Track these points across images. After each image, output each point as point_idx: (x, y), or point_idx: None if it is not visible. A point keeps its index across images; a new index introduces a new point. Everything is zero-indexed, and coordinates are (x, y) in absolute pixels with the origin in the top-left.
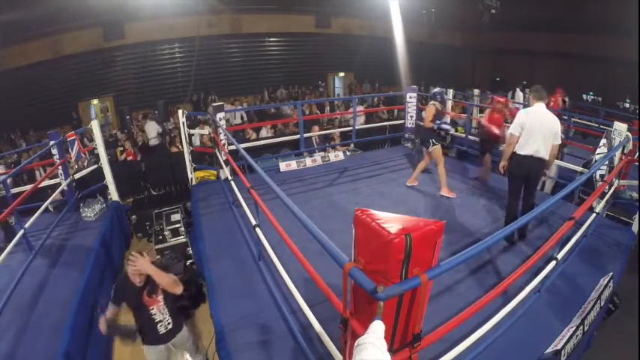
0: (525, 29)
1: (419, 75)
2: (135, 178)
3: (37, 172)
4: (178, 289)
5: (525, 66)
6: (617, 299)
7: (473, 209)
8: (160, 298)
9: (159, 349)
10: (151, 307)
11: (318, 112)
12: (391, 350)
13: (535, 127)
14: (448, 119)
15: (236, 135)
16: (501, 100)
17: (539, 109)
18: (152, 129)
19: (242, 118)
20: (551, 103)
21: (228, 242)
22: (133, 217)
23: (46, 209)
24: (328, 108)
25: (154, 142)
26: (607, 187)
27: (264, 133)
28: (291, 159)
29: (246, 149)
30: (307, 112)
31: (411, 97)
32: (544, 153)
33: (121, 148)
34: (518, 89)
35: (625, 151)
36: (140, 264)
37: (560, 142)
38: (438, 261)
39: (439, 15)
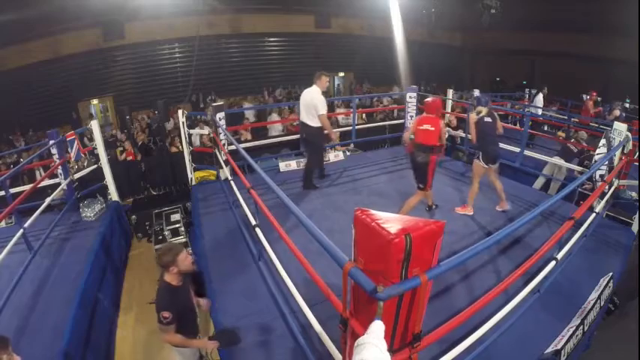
0: (525, 29)
1: (419, 75)
2: (135, 178)
3: (37, 172)
4: None
5: (525, 66)
6: (617, 299)
7: (473, 210)
8: None
9: None
10: None
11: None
12: (391, 350)
13: None
14: None
15: (234, 135)
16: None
17: None
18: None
19: None
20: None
21: (228, 242)
22: (133, 217)
23: (46, 208)
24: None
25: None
26: (607, 187)
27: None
28: (291, 159)
29: (246, 149)
30: None
31: (411, 97)
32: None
33: (121, 148)
34: (541, 92)
35: (625, 151)
36: None
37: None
38: (438, 261)
39: (439, 15)
